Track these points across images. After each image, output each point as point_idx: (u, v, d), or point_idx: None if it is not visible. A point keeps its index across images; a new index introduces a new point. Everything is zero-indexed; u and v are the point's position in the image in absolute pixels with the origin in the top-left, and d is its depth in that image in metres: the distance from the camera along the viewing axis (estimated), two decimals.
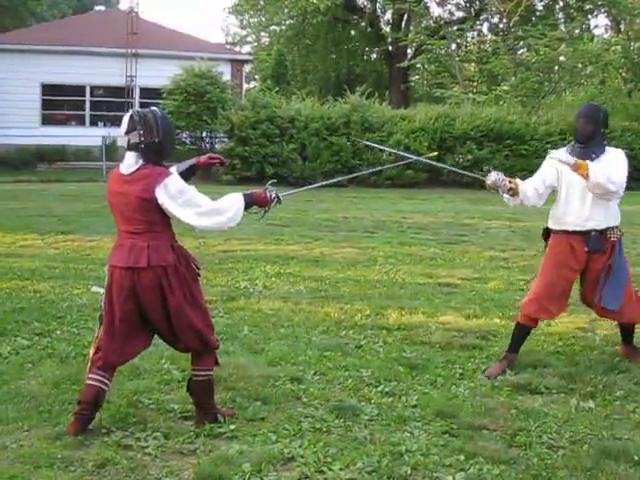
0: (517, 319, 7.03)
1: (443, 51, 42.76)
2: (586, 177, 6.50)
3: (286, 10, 46.50)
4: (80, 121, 34.32)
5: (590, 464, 4.85)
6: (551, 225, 6.96)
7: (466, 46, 44.21)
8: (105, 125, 33.63)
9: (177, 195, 5.10)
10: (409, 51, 46.92)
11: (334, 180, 7.09)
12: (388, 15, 50.26)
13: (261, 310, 8.84)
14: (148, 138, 5.12)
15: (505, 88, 36.20)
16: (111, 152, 30.99)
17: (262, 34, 55.40)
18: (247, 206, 5.35)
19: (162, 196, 5.08)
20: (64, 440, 5.04)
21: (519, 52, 38.90)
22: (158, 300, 5.20)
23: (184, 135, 30.04)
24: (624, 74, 41.22)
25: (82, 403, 5.26)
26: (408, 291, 10.08)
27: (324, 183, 7.71)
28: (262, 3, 48.80)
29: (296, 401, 5.90)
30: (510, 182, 6.79)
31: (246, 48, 53.72)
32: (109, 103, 34.58)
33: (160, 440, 5.12)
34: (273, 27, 51.45)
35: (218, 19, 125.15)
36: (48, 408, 5.62)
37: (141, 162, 5.15)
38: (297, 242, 14.06)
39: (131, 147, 5.16)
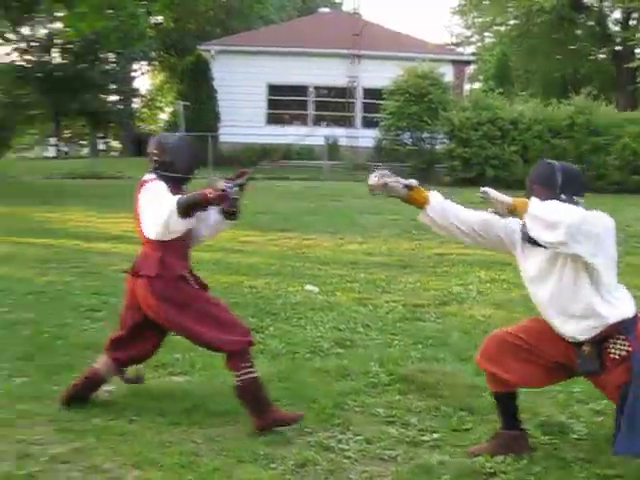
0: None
1: None
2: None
3: (510, 9, 45.73)
4: (303, 121, 35.14)
5: None
6: None
7: None
8: (328, 125, 34.32)
9: None
10: (638, 51, 44.98)
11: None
12: (616, 14, 48.43)
13: (473, 316, 8.68)
14: None
15: None
16: (333, 152, 31.57)
17: (486, 34, 54.78)
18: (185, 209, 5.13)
19: None
20: (268, 437, 5.12)
21: None
22: None
23: (405, 136, 30.12)
24: None
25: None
26: None
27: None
28: (486, 3, 48.22)
29: None
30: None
31: (470, 48, 53.27)
32: (332, 103, 35.24)
33: (362, 444, 5.09)
34: (497, 27, 50.74)
35: (442, 19, 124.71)
36: None
37: None
38: None
39: None
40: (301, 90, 34.51)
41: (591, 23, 47.57)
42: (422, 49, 34.08)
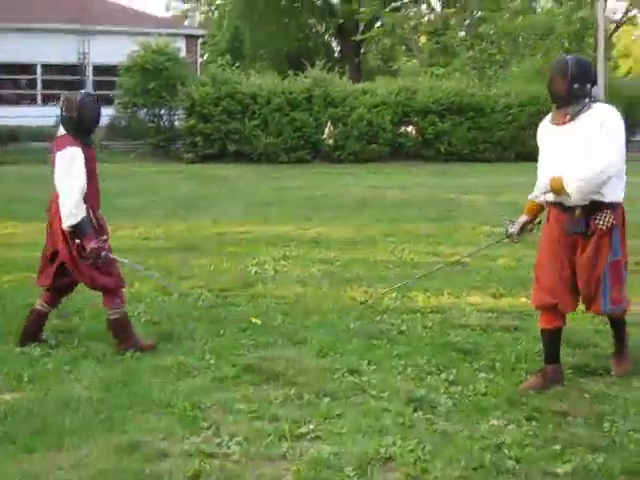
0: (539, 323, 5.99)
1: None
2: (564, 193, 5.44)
3: None
4: (32, 100, 33.46)
5: None
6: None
7: (420, 19, 43.81)
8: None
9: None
10: (361, 24, 46.53)
11: None
12: None
13: (284, 297, 8.54)
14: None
15: (464, 60, 35.95)
16: None
17: (206, 8, 54.67)
18: (80, 233, 6.38)
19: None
20: (141, 451, 4.68)
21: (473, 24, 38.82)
22: None
23: (142, 113, 29.44)
24: (567, 44, 41.20)
25: None
26: (422, 270, 9.85)
27: None
28: None
29: (364, 394, 5.62)
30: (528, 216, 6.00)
31: (193, 22, 52.97)
32: (62, 82, 33.74)
33: (242, 445, 4.77)
34: (220, 1, 50.74)
35: None
36: (108, 415, 5.23)
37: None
38: (288, 222, 13.77)
39: None
40: (28, 68, 32.74)
41: None
42: (154, 24, 33.42)
